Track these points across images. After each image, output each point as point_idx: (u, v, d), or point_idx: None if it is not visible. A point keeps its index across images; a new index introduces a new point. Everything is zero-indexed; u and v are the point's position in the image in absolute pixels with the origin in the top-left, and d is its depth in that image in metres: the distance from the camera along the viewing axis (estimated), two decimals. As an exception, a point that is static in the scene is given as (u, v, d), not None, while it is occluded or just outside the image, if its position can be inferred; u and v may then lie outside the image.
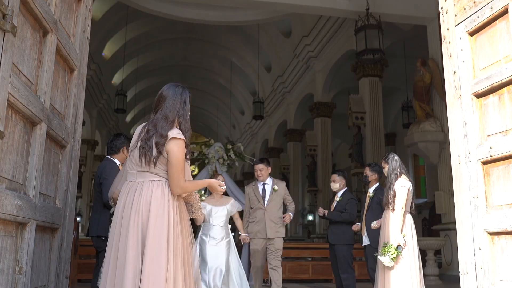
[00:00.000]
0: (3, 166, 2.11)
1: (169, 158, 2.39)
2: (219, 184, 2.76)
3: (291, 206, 5.44)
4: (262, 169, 5.35)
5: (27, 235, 2.34)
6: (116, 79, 18.39)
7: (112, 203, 3.50)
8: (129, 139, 3.33)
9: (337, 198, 5.54)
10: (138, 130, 2.56)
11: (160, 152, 2.39)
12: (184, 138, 2.43)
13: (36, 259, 2.53)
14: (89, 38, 3.34)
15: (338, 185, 5.54)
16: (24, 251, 2.32)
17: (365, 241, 5.13)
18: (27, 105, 2.27)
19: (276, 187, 5.34)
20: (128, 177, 2.49)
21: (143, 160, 2.40)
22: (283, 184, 5.48)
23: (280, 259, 5.28)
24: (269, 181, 5.39)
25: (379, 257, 4.30)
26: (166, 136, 2.40)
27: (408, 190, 4.42)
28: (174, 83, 2.62)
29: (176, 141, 2.40)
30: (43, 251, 2.69)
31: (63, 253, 2.95)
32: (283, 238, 5.37)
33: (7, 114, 2.10)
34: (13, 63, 2.10)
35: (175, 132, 2.42)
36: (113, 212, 3.39)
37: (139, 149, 2.44)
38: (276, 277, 5.20)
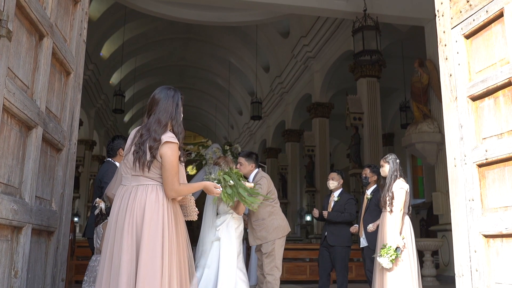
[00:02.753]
0: (-1, 170, 2.11)
1: (163, 162, 2.39)
2: (215, 186, 2.77)
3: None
4: (241, 163, 4.57)
5: (22, 238, 2.34)
6: (114, 79, 18.37)
7: (103, 203, 3.50)
8: (126, 139, 3.33)
9: (335, 198, 5.48)
10: (132, 134, 2.56)
11: (154, 156, 2.39)
12: (177, 142, 2.44)
13: (32, 263, 2.53)
14: (85, 41, 3.34)
15: (336, 183, 5.46)
16: (19, 255, 2.31)
17: (363, 242, 5.11)
18: (23, 109, 2.26)
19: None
20: (123, 181, 2.49)
21: (137, 165, 2.41)
22: (262, 176, 4.52)
23: (272, 266, 4.38)
24: (251, 177, 4.56)
25: (378, 259, 4.30)
26: (160, 140, 2.40)
27: (406, 192, 4.43)
28: (166, 86, 2.62)
29: (169, 145, 2.40)
30: (39, 255, 2.69)
31: (59, 256, 2.95)
32: (273, 240, 4.40)
33: (3, 119, 2.10)
34: (8, 67, 2.10)
35: (168, 136, 2.43)
36: (97, 214, 3.41)
37: (133, 154, 2.44)
38: None
